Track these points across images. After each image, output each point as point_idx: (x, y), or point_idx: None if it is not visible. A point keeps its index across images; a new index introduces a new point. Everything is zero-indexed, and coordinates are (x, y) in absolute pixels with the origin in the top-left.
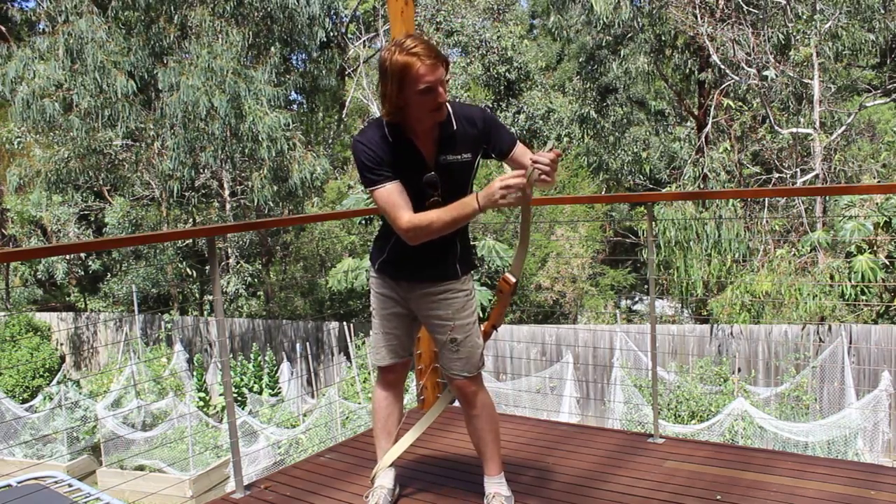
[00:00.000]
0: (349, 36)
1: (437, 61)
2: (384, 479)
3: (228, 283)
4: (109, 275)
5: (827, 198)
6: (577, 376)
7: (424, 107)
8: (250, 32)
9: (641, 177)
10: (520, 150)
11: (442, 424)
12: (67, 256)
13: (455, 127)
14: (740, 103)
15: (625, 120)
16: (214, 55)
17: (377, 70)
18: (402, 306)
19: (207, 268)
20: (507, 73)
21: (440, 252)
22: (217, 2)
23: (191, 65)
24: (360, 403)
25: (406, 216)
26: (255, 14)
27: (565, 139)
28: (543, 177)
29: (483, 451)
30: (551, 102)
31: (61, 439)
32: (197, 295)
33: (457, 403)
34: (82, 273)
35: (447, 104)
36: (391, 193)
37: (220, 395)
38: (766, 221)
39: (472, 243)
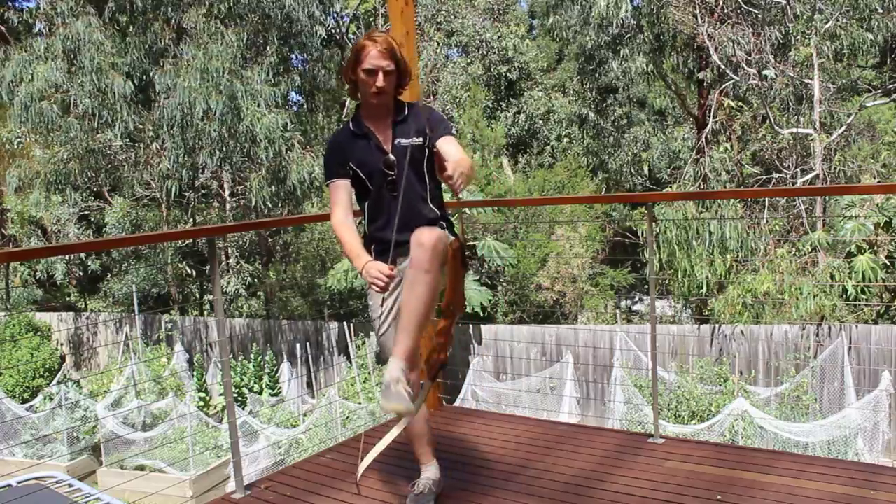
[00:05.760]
0: (349, 36)
1: (389, 55)
2: (430, 471)
3: (228, 283)
4: (109, 275)
5: (827, 198)
6: (578, 376)
7: (367, 87)
8: (246, 33)
9: (641, 177)
10: (445, 141)
11: (443, 424)
12: (67, 256)
13: (406, 112)
14: (740, 103)
15: (625, 120)
16: (210, 56)
17: None
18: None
19: (207, 268)
20: (507, 74)
21: (425, 217)
22: (213, 3)
23: (187, 66)
24: (360, 403)
25: (338, 214)
26: (252, 15)
27: (565, 139)
28: (453, 185)
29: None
30: (551, 102)
31: (61, 439)
32: (197, 295)
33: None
34: (82, 273)
35: (405, 101)
36: (338, 189)
37: (221, 395)
38: (767, 221)
39: (466, 237)
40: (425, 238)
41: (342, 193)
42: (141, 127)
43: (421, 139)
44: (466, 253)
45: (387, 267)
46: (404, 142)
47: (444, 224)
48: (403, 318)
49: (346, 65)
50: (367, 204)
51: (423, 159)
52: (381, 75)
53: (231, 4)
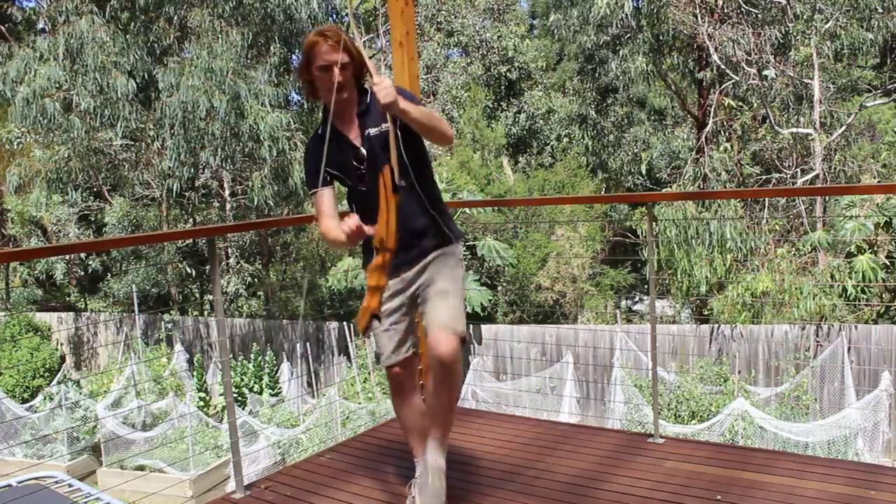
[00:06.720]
0: (350, 35)
1: (339, 46)
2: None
3: (228, 283)
4: (109, 275)
5: (827, 198)
6: (578, 376)
7: (324, 84)
8: (250, 32)
9: (641, 177)
10: None
11: None
12: (67, 256)
13: (368, 100)
14: (740, 103)
15: (625, 120)
16: (214, 56)
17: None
18: (406, 295)
19: (207, 268)
20: (507, 74)
21: (424, 226)
22: (217, 3)
23: (191, 65)
24: (360, 403)
25: (322, 223)
26: (255, 14)
27: (565, 139)
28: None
29: (436, 422)
30: (551, 102)
31: (61, 439)
32: (197, 295)
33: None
34: (82, 273)
35: (367, 88)
36: (320, 199)
37: (221, 395)
38: (767, 221)
39: (470, 240)
40: (443, 349)
41: (324, 203)
42: (142, 126)
43: (388, 124)
44: (396, 179)
45: (354, 222)
46: (373, 131)
47: (440, 213)
48: (430, 413)
49: (299, 65)
50: (354, 203)
51: (398, 148)
52: (336, 70)
53: (235, 4)
